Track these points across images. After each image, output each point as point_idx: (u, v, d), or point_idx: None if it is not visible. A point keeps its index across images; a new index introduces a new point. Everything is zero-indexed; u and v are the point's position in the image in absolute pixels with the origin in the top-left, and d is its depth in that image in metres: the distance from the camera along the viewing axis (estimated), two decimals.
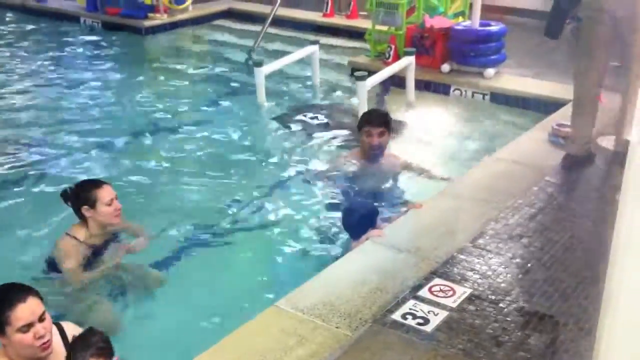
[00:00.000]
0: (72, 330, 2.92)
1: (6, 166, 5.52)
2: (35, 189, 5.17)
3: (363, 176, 4.90)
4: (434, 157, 5.69)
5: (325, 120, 6.40)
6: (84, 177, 4.61)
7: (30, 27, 10.58)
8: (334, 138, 6.02)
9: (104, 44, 9.75)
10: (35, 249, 4.25)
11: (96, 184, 3.98)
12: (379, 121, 4.84)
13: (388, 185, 4.91)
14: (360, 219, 3.96)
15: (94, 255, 3.95)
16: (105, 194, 3.90)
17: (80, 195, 3.91)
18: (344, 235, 4.34)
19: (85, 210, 3.88)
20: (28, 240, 4.45)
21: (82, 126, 6.47)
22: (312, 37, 8.12)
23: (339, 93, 7.47)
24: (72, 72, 8.32)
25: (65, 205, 3.99)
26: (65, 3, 11.16)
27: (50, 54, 9.16)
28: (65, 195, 3.97)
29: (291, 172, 5.37)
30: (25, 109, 6.97)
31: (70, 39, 9.96)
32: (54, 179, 5.25)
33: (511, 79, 7.09)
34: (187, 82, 8.00)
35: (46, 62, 8.73)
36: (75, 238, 3.90)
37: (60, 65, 8.61)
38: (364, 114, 5.06)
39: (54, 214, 4.54)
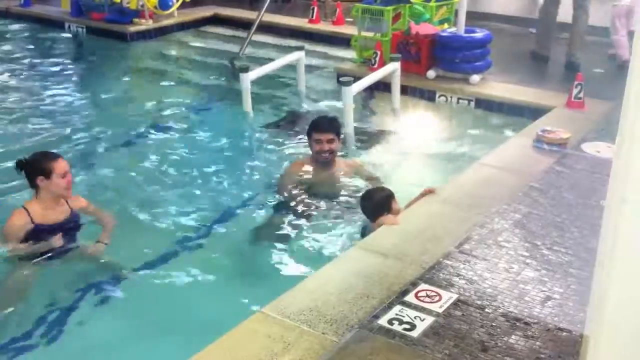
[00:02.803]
0: None
1: None
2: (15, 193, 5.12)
3: (316, 183, 4.96)
4: (419, 163, 5.71)
5: None
6: None
7: (14, 32, 10.52)
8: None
9: (88, 49, 9.70)
10: None
11: (52, 156, 4.17)
12: (327, 128, 4.90)
13: (343, 190, 4.95)
14: (376, 203, 4.16)
15: (46, 233, 4.10)
16: (60, 166, 4.09)
17: (37, 166, 4.09)
18: (329, 239, 4.36)
19: (40, 180, 4.07)
20: None
21: (65, 131, 6.43)
22: (298, 43, 8.11)
23: (324, 99, 7.47)
24: (57, 78, 8.27)
25: None
26: (50, 8, 11.11)
27: (35, 59, 9.11)
28: (21, 165, 4.13)
29: (275, 178, 5.34)
30: (8, 114, 6.92)
31: (54, 45, 9.91)
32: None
33: (496, 86, 7.13)
34: (172, 88, 7.98)
35: (30, 68, 8.68)
36: (28, 212, 4.09)
37: (44, 70, 8.56)
38: (313, 121, 5.13)
39: None
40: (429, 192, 4.41)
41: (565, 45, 8.25)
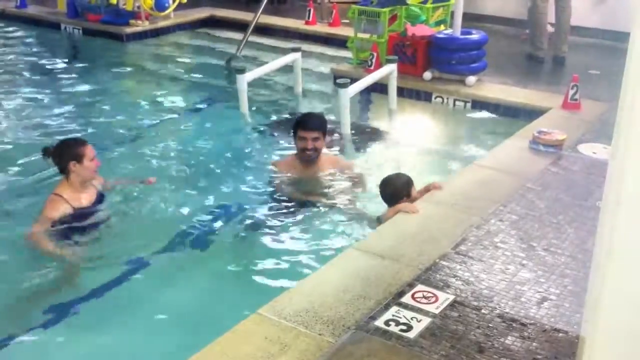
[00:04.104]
0: None
1: None
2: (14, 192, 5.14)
3: (303, 182, 4.99)
4: (415, 164, 5.71)
5: None
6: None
7: (10, 33, 10.50)
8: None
9: (84, 50, 9.69)
10: None
11: (81, 142, 4.55)
12: (313, 126, 4.91)
13: (332, 188, 4.98)
14: (396, 189, 4.35)
15: (80, 219, 4.43)
16: (89, 150, 4.47)
17: (69, 152, 4.42)
18: (325, 239, 4.37)
19: (72, 165, 4.39)
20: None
21: (61, 132, 6.39)
22: (294, 44, 8.12)
23: (321, 100, 7.47)
24: (53, 79, 8.26)
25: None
26: (46, 9, 11.10)
27: (31, 60, 9.09)
28: (48, 152, 4.48)
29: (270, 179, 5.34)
30: (4, 115, 6.91)
31: (50, 46, 9.89)
32: (30, 182, 5.27)
33: (492, 87, 7.14)
34: (168, 90, 7.97)
35: (26, 69, 8.67)
36: (62, 196, 4.39)
37: (40, 72, 8.55)
38: (298, 118, 5.13)
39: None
40: (434, 187, 4.50)
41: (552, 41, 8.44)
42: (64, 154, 4.43)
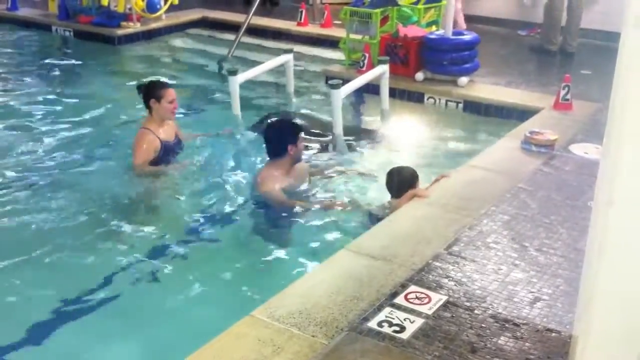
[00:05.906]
0: None
1: None
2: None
3: (293, 184, 4.99)
4: (407, 164, 5.70)
5: None
6: (55, 184, 5.28)
7: (1, 36, 10.46)
8: (307, 147, 6.01)
9: (76, 53, 9.65)
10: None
11: (163, 85, 5.42)
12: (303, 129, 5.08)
13: (307, 187, 5.08)
14: (404, 179, 4.49)
15: (165, 154, 5.29)
16: (168, 94, 5.24)
17: (151, 91, 5.25)
18: (322, 241, 4.36)
19: (152, 102, 5.22)
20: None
21: (53, 134, 6.39)
22: (286, 46, 8.12)
23: (313, 101, 7.47)
24: (44, 81, 8.23)
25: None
26: (37, 12, 11.06)
27: (22, 63, 9.05)
28: (139, 88, 5.37)
29: None
30: None
31: (41, 48, 9.86)
32: (27, 186, 5.27)
33: (484, 88, 7.15)
34: None
35: (17, 71, 8.62)
36: (149, 129, 5.21)
37: (31, 75, 8.50)
38: (293, 124, 5.12)
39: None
40: (443, 177, 4.65)
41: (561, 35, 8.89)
42: (148, 92, 5.24)
